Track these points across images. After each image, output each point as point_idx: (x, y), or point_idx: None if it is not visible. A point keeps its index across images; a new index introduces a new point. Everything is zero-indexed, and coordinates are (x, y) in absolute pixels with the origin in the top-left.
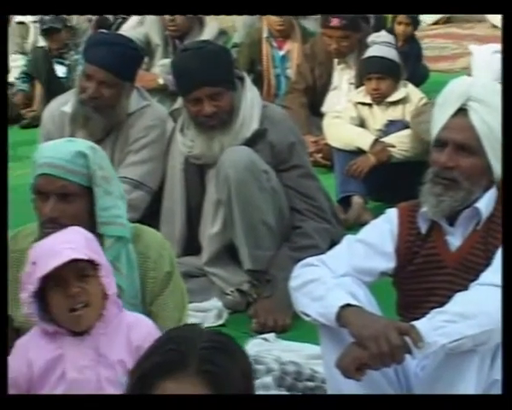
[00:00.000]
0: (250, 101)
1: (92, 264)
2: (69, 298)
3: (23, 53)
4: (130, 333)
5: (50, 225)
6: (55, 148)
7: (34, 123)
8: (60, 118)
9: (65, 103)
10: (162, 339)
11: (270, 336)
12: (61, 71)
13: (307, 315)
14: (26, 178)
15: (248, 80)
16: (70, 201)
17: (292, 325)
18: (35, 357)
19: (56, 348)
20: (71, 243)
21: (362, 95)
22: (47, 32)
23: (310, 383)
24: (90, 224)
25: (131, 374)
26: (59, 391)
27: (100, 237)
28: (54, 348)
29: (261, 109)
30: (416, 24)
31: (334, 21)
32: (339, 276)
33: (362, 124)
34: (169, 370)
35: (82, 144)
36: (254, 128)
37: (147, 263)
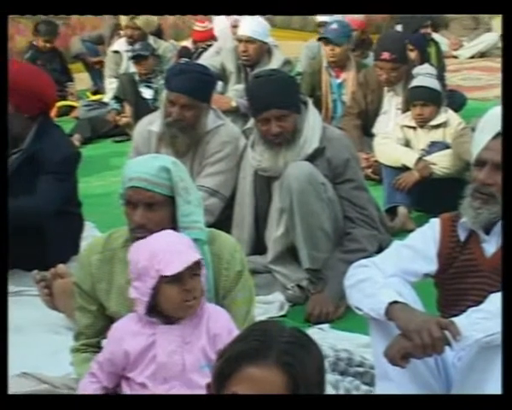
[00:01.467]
0: (312, 122)
1: (197, 264)
2: (185, 292)
3: (117, 77)
4: (209, 323)
5: (140, 231)
6: (142, 163)
7: (124, 139)
8: (147, 135)
9: (152, 123)
10: (249, 330)
11: (325, 326)
12: (148, 93)
13: (360, 309)
14: (117, 185)
15: (311, 104)
16: (155, 209)
17: (344, 317)
18: (131, 346)
19: (150, 335)
20: (190, 245)
21: (408, 119)
22: (136, 59)
23: (360, 369)
24: (172, 229)
25: (219, 357)
26: (149, 372)
27: None
28: (148, 335)
29: (321, 130)
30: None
31: (385, 55)
32: (388, 276)
33: (407, 144)
34: (252, 357)
35: (165, 160)
36: (315, 146)
37: (220, 263)
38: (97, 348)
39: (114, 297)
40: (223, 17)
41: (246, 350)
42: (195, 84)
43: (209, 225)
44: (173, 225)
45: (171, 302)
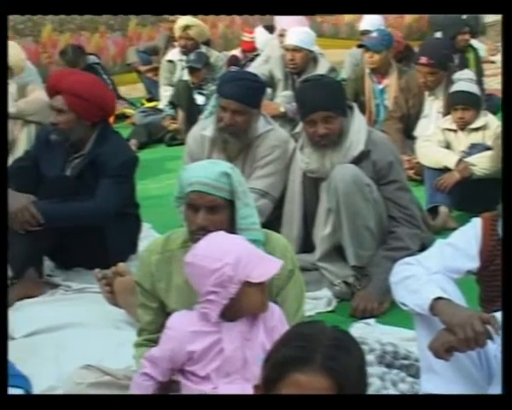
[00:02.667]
0: (358, 126)
1: None
2: (264, 294)
3: (171, 85)
4: (265, 318)
5: (201, 233)
6: (203, 169)
7: (177, 142)
8: (201, 139)
9: (205, 128)
10: (292, 334)
11: (371, 320)
12: (200, 100)
13: (405, 305)
14: (172, 187)
15: (357, 109)
16: (217, 212)
17: (389, 312)
18: (195, 345)
19: (215, 333)
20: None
21: (449, 122)
22: (190, 70)
23: (405, 362)
24: (230, 230)
25: (266, 363)
26: (214, 366)
27: None
28: (213, 333)
29: (367, 133)
30: None
31: (423, 60)
32: (431, 273)
33: (448, 146)
34: (298, 363)
35: (225, 166)
36: (361, 149)
37: None
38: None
39: (173, 296)
40: (263, 30)
41: (290, 356)
42: (246, 90)
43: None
44: (231, 228)
45: (252, 304)
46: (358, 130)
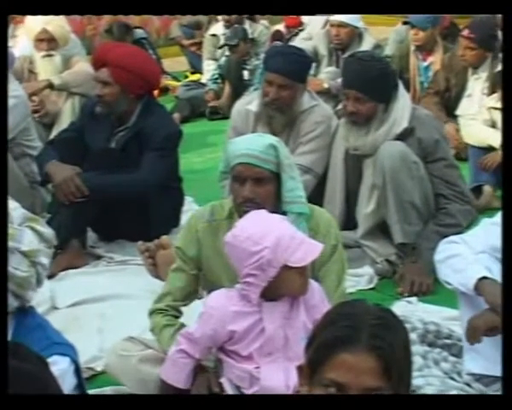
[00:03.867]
0: (402, 103)
1: None
2: (303, 277)
3: (214, 59)
4: (306, 297)
5: (248, 205)
6: (250, 141)
7: (219, 116)
8: (245, 114)
9: (249, 102)
10: (335, 314)
11: (413, 299)
12: (246, 74)
13: (449, 284)
14: (214, 161)
15: (401, 86)
16: (263, 184)
17: (433, 291)
18: (237, 325)
19: (257, 312)
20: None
21: (494, 101)
22: (228, 46)
23: (448, 341)
24: (276, 203)
25: (309, 345)
26: (256, 345)
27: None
28: (254, 312)
29: (411, 111)
30: None
31: (465, 32)
32: (477, 253)
33: (493, 125)
34: (343, 343)
35: (271, 138)
36: (404, 126)
37: (317, 237)
38: (178, 312)
39: (218, 264)
40: None
41: (336, 337)
42: (292, 65)
43: None
44: (276, 201)
45: (291, 287)
46: (402, 107)
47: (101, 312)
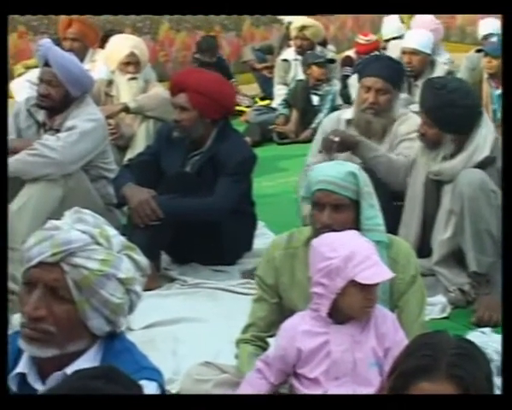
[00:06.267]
0: (485, 132)
1: None
2: (368, 299)
3: (285, 84)
4: (377, 323)
5: (326, 231)
6: (330, 168)
7: (288, 141)
8: (336, 121)
9: (342, 114)
10: (418, 343)
11: (487, 330)
12: (315, 100)
13: None
14: (285, 186)
15: (485, 114)
16: (341, 211)
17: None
18: (304, 345)
19: (324, 334)
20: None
21: None
22: (318, 65)
23: None
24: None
25: (391, 371)
26: (323, 368)
27: None
28: (322, 334)
29: (493, 140)
30: None
31: None
32: None
33: None
34: (423, 372)
35: (351, 166)
36: (486, 155)
37: (396, 267)
38: (264, 343)
39: (295, 292)
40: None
41: (416, 365)
42: (391, 70)
43: None
44: (356, 227)
45: (354, 306)
46: (485, 136)
47: (174, 334)
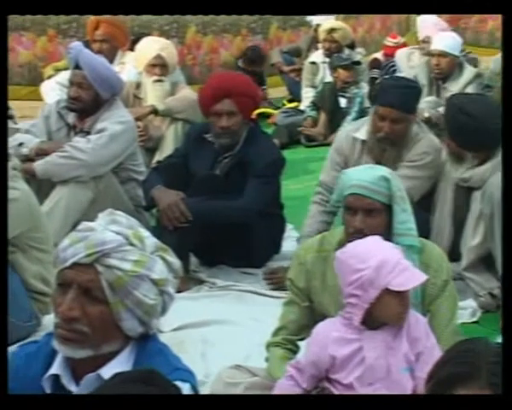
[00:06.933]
0: None
1: None
2: (403, 305)
3: (313, 87)
4: (409, 328)
5: (358, 236)
6: (362, 172)
7: (315, 143)
8: (352, 140)
9: (356, 130)
10: (454, 351)
11: None
12: (343, 102)
13: None
14: (313, 189)
15: None
16: (374, 216)
17: None
18: (338, 351)
19: (357, 340)
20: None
21: None
22: (346, 67)
23: None
24: (387, 235)
25: (429, 378)
26: (357, 374)
27: None
28: (355, 340)
29: None
30: None
31: None
32: None
33: None
34: (462, 380)
35: (384, 170)
36: None
37: (428, 271)
38: (295, 346)
39: (327, 296)
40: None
41: (455, 373)
42: (406, 98)
43: None
44: (386, 232)
45: (389, 313)
46: None
47: (204, 337)
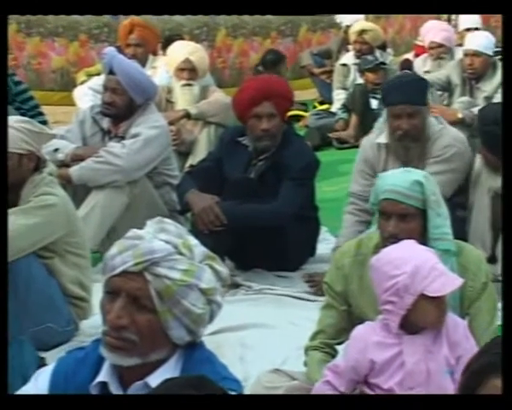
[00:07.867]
0: None
1: None
2: (440, 309)
3: (344, 89)
4: (448, 332)
5: (392, 241)
6: (396, 177)
7: (347, 145)
8: (376, 147)
9: (378, 136)
10: (492, 342)
11: None
12: (374, 104)
13: None
14: (346, 191)
15: None
16: (408, 221)
17: None
18: (377, 356)
19: (397, 345)
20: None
21: None
22: (374, 70)
23: None
24: (422, 239)
25: (465, 369)
26: (397, 379)
27: None
28: (395, 345)
29: None
30: None
31: None
32: None
33: None
34: (496, 369)
35: (418, 174)
36: None
37: (467, 274)
38: (333, 350)
39: (365, 299)
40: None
41: (489, 363)
42: (414, 91)
43: None
44: (421, 237)
45: (426, 318)
46: None
47: (241, 340)
